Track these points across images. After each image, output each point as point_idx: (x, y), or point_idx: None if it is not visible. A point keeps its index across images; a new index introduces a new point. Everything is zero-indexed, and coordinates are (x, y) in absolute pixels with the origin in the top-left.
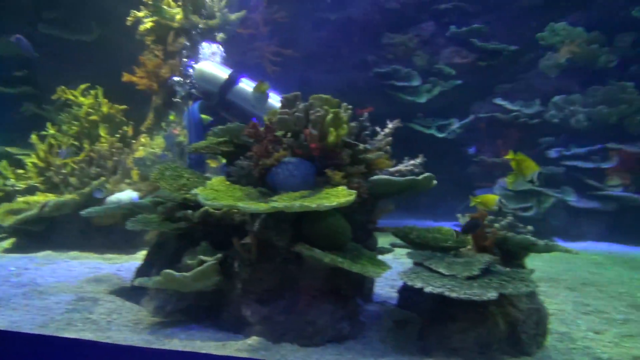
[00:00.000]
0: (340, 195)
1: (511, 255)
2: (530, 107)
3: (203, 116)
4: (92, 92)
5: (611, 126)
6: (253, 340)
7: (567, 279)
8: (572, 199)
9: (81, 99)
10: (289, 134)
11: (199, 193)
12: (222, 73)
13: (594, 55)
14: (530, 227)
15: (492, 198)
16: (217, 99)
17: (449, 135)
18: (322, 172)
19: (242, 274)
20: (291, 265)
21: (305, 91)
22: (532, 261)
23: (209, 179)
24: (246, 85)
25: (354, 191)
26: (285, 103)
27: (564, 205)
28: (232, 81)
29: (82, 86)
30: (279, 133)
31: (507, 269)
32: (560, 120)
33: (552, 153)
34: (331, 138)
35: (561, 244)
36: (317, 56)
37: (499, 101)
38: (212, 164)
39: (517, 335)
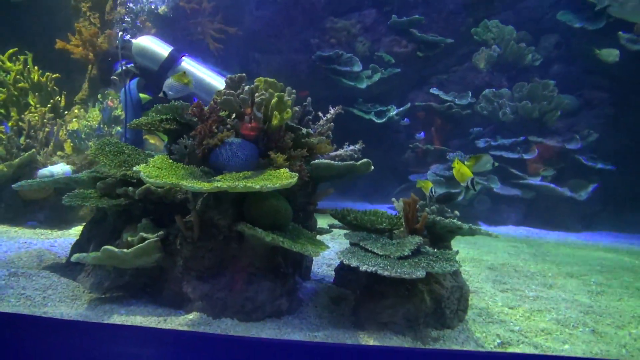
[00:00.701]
0: (282, 178)
1: (439, 237)
2: (462, 98)
3: (142, 95)
4: (21, 57)
5: (534, 120)
6: (194, 315)
7: (488, 260)
8: (496, 187)
9: (8, 64)
10: (234, 115)
11: (142, 170)
12: (163, 50)
13: (521, 53)
14: (457, 212)
15: (429, 184)
16: (157, 78)
17: (389, 120)
18: (265, 154)
19: (184, 252)
20: (232, 243)
21: (248, 71)
22: (458, 243)
23: (151, 156)
24: (188, 64)
25: (296, 174)
26: (230, 84)
27: (489, 192)
28: (173, 60)
29: (10, 51)
30: (223, 114)
31: (435, 250)
32: (489, 113)
33: (481, 143)
34: (275, 121)
35: (484, 227)
36: (261, 36)
37: (434, 91)
38: (152, 140)
39: (442, 310)
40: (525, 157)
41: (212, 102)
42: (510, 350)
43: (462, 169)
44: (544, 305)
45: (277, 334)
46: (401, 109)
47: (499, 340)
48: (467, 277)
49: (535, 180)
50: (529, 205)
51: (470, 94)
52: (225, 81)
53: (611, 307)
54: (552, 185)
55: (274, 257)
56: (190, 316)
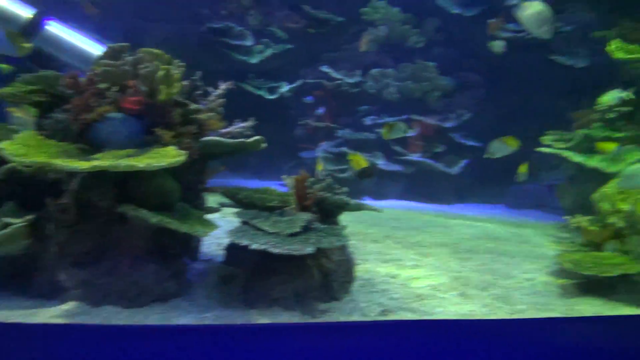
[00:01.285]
0: (170, 155)
1: (328, 213)
2: (352, 77)
3: (1, 66)
4: None
5: (416, 100)
6: (70, 305)
7: (373, 233)
8: (381, 163)
9: None
10: (115, 88)
11: (5, 148)
12: (23, 12)
13: (406, 35)
14: (345, 188)
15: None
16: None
17: (280, 97)
18: (151, 130)
19: (59, 237)
20: (114, 226)
21: (132, 40)
22: (344, 217)
23: (16, 131)
24: (57, 29)
25: (185, 152)
26: (111, 53)
27: (374, 168)
28: (36, 23)
29: None
30: (103, 86)
31: (324, 226)
32: (376, 91)
33: (367, 120)
34: (162, 96)
35: (370, 202)
36: (147, 2)
37: (325, 68)
38: (18, 113)
39: (329, 283)
40: (408, 134)
41: (89, 73)
42: (390, 317)
43: (358, 160)
44: (421, 273)
45: (164, 318)
46: (293, 85)
47: (381, 308)
48: (353, 250)
49: (415, 156)
50: (410, 180)
51: (359, 73)
52: (106, 50)
53: (476, 272)
54: (429, 161)
55: (160, 239)
56: (66, 306)
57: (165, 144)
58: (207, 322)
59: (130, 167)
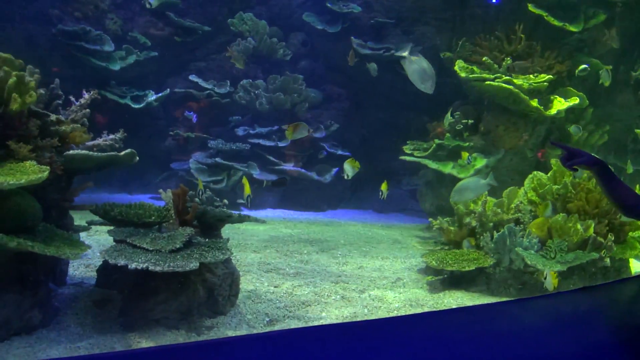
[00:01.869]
0: (29, 172)
1: (210, 226)
2: (222, 87)
3: None
4: None
5: (286, 110)
6: None
7: (253, 244)
8: (256, 173)
9: None
10: None
11: None
12: None
13: (274, 48)
14: (226, 201)
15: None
16: None
17: (147, 106)
18: (2, 144)
19: None
20: None
21: None
22: (223, 230)
23: None
24: None
25: (47, 167)
26: None
27: (249, 178)
28: None
29: None
30: None
31: (207, 240)
32: (247, 102)
33: (240, 131)
34: (15, 105)
35: (246, 212)
36: None
37: (193, 78)
38: None
39: (215, 298)
40: (280, 144)
41: None
42: (278, 326)
43: (245, 184)
44: (303, 280)
45: (29, 353)
46: (160, 94)
47: (267, 319)
48: (235, 262)
49: (288, 166)
50: (285, 189)
51: (228, 83)
52: None
53: (354, 275)
54: (302, 170)
55: (19, 265)
56: None
57: (22, 159)
58: (81, 351)
59: None
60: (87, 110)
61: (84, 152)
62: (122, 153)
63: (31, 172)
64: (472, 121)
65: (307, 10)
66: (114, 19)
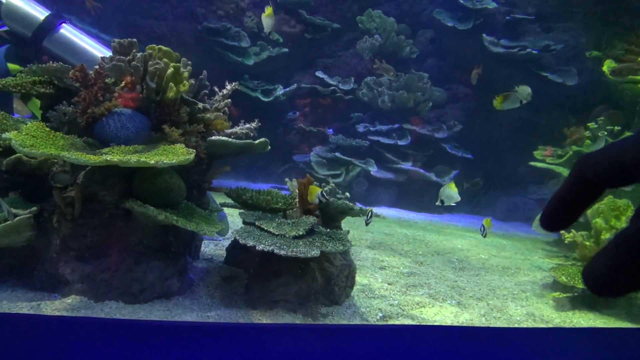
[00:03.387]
0: (179, 153)
1: (331, 217)
2: (346, 83)
3: (10, 66)
4: None
5: (408, 109)
6: (72, 299)
7: (367, 239)
8: (373, 170)
9: None
10: (122, 83)
11: (13, 138)
12: (38, 13)
13: (400, 45)
14: (348, 194)
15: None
16: (30, 46)
17: (275, 99)
18: (158, 127)
19: (62, 230)
20: (119, 221)
21: (127, 36)
22: (343, 223)
23: (23, 122)
24: (69, 32)
25: (193, 150)
26: (119, 49)
27: (366, 175)
28: (50, 25)
29: None
30: (110, 81)
31: (328, 230)
32: (369, 99)
33: (360, 128)
34: (171, 94)
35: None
36: (143, 0)
37: (319, 74)
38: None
39: (331, 287)
40: (400, 143)
41: (97, 67)
42: (391, 322)
43: (311, 190)
44: (417, 280)
45: (167, 315)
46: (287, 89)
47: (381, 314)
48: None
49: (406, 165)
50: (401, 188)
51: (353, 80)
52: (113, 45)
53: (471, 281)
54: (421, 171)
55: (164, 236)
56: (69, 300)
57: (173, 142)
58: (210, 320)
59: (142, 163)
60: (229, 100)
61: (224, 138)
62: (257, 141)
63: (180, 153)
64: (619, 128)
65: (439, 7)
66: (252, 17)
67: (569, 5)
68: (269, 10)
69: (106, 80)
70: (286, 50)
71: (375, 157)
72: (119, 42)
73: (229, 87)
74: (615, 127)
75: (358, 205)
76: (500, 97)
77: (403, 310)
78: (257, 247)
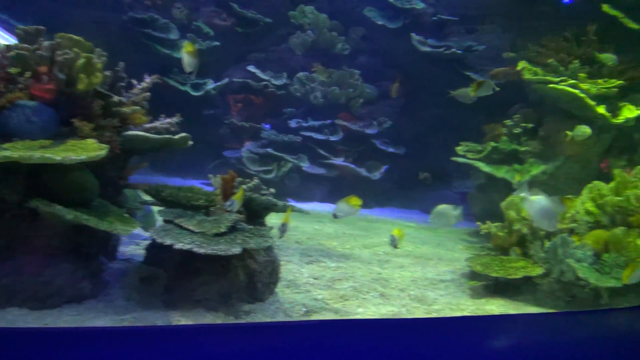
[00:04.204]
0: (89, 149)
1: (255, 214)
2: (278, 78)
3: None
4: None
5: (340, 105)
6: None
7: (297, 234)
8: (305, 165)
9: None
10: (28, 74)
11: None
12: None
13: (333, 41)
14: (272, 190)
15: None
16: None
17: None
18: (68, 121)
19: None
20: (23, 222)
21: (47, 25)
22: (270, 219)
23: None
24: None
25: (106, 145)
26: (25, 37)
27: (299, 170)
28: None
29: None
30: (14, 71)
31: (251, 227)
32: (302, 95)
33: (293, 123)
34: (81, 85)
35: (294, 204)
36: None
37: (251, 69)
38: None
39: (254, 284)
40: (332, 138)
41: None
42: (314, 317)
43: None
44: (343, 274)
45: (78, 321)
46: (218, 83)
47: (305, 309)
48: (277, 252)
49: (338, 161)
50: (333, 184)
51: (285, 75)
52: (18, 33)
53: (395, 273)
54: (351, 166)
55: (76, 237)
56: None
57: (84, 137)
58: (125, 324)
59: (46, 159)
60: (148, 93)
61: (142, 133)
62: (177, 136)
63: (91, 149)
64: (532, 125)
65: (369, 5)
66: (181, 9)
67: (488, 9)
68: (188, 46)
69: (9, 70)
70: (217, 43)
71: (307, 153)
72: (25, 30)
73: (148, 80)
74: (529, 125)
75: (291, 203)
76: (475, 84)
77: (327, 304)
78: (175, 246)
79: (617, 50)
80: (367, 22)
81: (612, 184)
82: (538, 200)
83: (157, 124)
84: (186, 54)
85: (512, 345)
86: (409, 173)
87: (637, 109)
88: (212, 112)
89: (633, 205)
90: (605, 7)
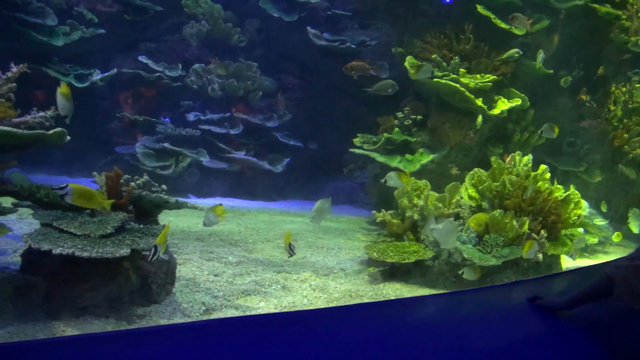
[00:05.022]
0: None
1: (146, 212)
2: (173, 70)
3: None
4: None
5: (239, 98)
6: None
7: (197, 231)
8: (205, 160)
9: None
10: None
11: None
12: None
13: (228, 33)
14: (164, 186)
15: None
16: None
17: (91, 85)
18: None
19: None
20: None
21: None
22: (167, 216)
23: None
24: None
25: None
26: None
27: (198, 165)
28: None
29: None
30: None
31: (141, 226)
32: (199, 87)
33: (191, 116)
34: None
35: (194, 200)
36: None
37: (143, 59)
38: None
39: (148, 286)
40: (232, 132)
41: None
42: (214, 315)
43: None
44: (245, 269)
45: None
46: (106, 74)
47: (204, 308)
48: (175, 250)
49: (239, 154)
50: (235, 178)
51: (180, 66)
52: None
53: (297, 265)
54: (253, 159)
55: None
56: None
57: None
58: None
59: None
60: (14, 84)
61: (6, 128)
62: (51, 132)
63: None
64: (421, 117)
65: None
66: None
67: (376, 4)
68: (64, 87)
69: None
70: (103, 31)
71: (207, 147)
72: None
73: (14, 69)
74: (418, 117)
75: (191, 198)
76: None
77: (228, 301)
78: (53, 251)
79: (490, 47)
80: (263, 14)
81: (489, 171)
82: (444, 227)
83: (28, 117)
84: (60, 96)
85: (396, 330)
86: (309, 165)
87: (510, 102)
88: (100, 105)
89: (508, 189)
90: (479, 8)
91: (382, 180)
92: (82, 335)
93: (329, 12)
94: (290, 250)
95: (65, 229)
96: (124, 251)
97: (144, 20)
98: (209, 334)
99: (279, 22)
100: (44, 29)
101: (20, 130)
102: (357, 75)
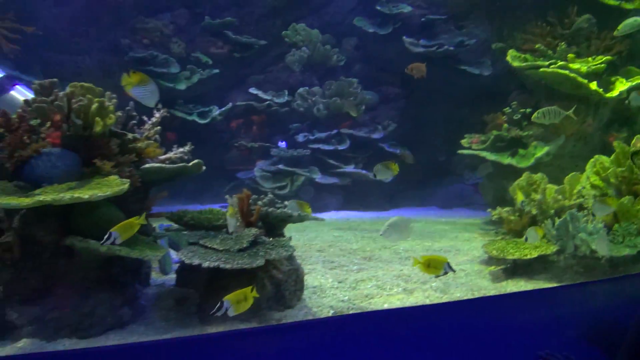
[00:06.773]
0: (113, 185)
1: (273, 227)
2: (280, 96)
3: None
4: None
5: (343, 114)
6: (23, 342)
7: (317, 243)
8: (317, 177)
9: None
10: (48, 124)
11: None
12: None
13: (327, 55)
14: (286, 203)
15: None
16: None
17: (212, 120)
18: (89, 162)
19: (3, 276)
20: (61, 259)
21: (52, 74)
22: (289, 231)
23: None
24: (20, 94)
25: (127, 180)
26: (41, 90)
27: (311, 182)
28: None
29: None
30: (35, 122)
31: (270, 239)
32: (305, 109)
33: (300, 137)
34: (98, 128)
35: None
36: (63, 35)
37: (253, 90)
38: None
39: (282, 292)
40: (340, 147)
41: (19, 110)
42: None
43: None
44: (366, 275)
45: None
46: (223, 109)
47: (332, 311)
48: (300, 261)
49: (349, 168)
50: (347, 191)
51: (286, 93)
52: (34, 87)
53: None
54: (363, 172)
55: (110, 268)
56: (20, 344)
57: (107, 174)
58: None
59: (75, 199)
60: (159, 127)
61: (157, 165)
62: (191, 164)
63: (114, 185)
64: (530, 110)
65: (358, 15)
66: (178, 42)
67: (472, 3)
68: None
69: (31, 122)
70: (217, 71)
71: (318, 164)
72: (40, 84)
73: (157, 115)
74: (527, 110)
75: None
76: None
77: (353, 304)
78: (203, 265)
79: (598, 27)
80: (359, 31)
81: (613, 156)
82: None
83: (170, 154)
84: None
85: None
86: (418, 171)
87: (629, 82)
88: (220, 138)
89: (636, 173)
90: None
91: (372, 175)
92: (236, 331)
93: (422, 19)
94: (449, 269)
95: (209, 245)
96: (259, 261)
97: (250, 55)
98: (345, 327)
99: (375, 37)
100: (170, 77)
101: (168, 165)
102: (417, 76)
